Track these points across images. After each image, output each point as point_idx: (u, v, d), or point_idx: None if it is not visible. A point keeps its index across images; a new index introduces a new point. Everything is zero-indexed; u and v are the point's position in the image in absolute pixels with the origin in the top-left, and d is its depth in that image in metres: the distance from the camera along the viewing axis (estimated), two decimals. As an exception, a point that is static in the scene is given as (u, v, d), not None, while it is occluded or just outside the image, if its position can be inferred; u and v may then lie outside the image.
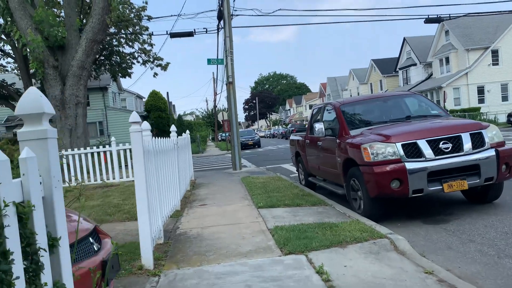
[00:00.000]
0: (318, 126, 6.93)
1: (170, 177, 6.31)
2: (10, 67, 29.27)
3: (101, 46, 24.86)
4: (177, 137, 7.87)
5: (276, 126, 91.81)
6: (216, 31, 15.53)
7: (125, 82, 39.31)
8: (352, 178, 6.16)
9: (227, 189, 9.46)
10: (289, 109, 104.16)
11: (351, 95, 60.97)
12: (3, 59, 26.58)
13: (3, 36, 19.56)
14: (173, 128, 7.15)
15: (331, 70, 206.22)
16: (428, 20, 16.13)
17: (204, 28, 15.26)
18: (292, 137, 10.56)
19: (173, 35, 15.82)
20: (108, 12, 13.66)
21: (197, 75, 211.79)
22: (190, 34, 15.68)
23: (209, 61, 14.87)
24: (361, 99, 7.32)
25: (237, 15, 14.76)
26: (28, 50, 13.70)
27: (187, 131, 11.96)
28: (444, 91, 27.84)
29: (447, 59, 36.09)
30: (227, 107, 15.33)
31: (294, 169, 13.93)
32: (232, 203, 7.43)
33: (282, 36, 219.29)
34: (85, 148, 11.74)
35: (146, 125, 4.84)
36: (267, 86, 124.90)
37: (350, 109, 6.85)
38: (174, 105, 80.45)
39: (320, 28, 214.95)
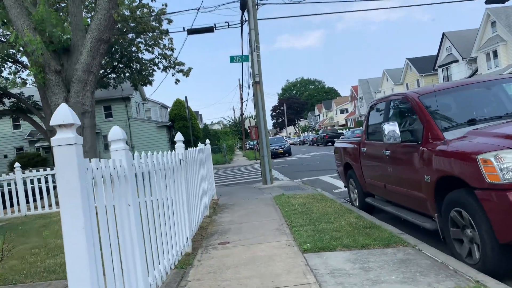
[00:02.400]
0: (390, 128, 4.67)
1: (170, 211, 4.21)
2: (31, 79, 28.36)
3: (119, 53, 23.55)
4: (187, 149, 5.79)
5: (306, 133, 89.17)
6: (239, 24, 13.51)
7: (147, 92, 38.00)
8: (454, 207, 3.87)
9: (257, 214, 7.27)
10: (319, 115, 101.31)
11: (384, 98, 57.81)
12: (22, 71, 25.58)
13: (21, 48, 18.38)
14: (178, 137, 5.07)
15: (361, 73, 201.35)
16: (490, 1, 13.54)
17: (226, 22, 13.52)
18: (338, 144, 8.29)
19: (191, 31, 13.90)
20: (116, 7, 11.94)
21: (223, 82, 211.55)
22: (209, 29, 13.72)
23: (232, 59, 12.84)
24: (451, 86, 5.03)
25: (263, 4, 12.70)
26: (26, 52, 12.09)
27: (207, 141, 9.91)
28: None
29: (495, 53, 32.78)
30: (254, 111, 13.26)
31: (338, 182, 11.62)
32: (265, 240, 5.23)
33: (308, 42, 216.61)
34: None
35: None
36: (294, 92, 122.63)
37: (436, 101, 4.56)
38: (201, 115, 79.48)
39: (347, 30, 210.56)
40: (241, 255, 4.67)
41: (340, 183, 11.42)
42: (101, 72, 25.01)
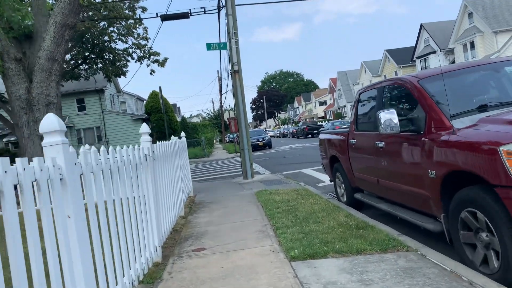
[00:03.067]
0: (387, 117, 4.09)
1: (132, 217, 3.53)
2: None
3: (90, 43, 22.37)
4: (157, 142, 5.09)
5: (285, 125, 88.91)
6: (216, 10, 12.73)
7: (122, 83, 36.70)
8: (466, 207, 3.32)
9: (237, 213, 6.64)
10: (298, 107, 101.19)
11: (363, 89, 57.90)
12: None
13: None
14: (144, 128, 4.36)
15: (340, 65, 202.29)
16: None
17: (201, 8, 12.72)
18: (323, 135, 7.71)
19: (165, 17, 13.06)
20: (81, -11, 11.02)
21: (202, 74, 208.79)
22: (185, 15, 12.91)
23: (209, 46, 12.09)
24: (456, 68, 4.48)
25: (241, -12, 11.96)
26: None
27: (182, 134, 9.20)
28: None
29: (472, 44, 32.94)
30: (234, 102, 12.57)
31: (321, 176, 11.10)
32: (246, 246, 4.61)
33: (286, 35, 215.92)
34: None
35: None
36: (274, 84, 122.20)
37: (439, 86, 4.00)
38: (179, 107, 78.03)
39: (325, 23, 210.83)
40: (219, 265, 4.03)
41: (323, 177, 10.91)
42: (71, 62, 23.84)
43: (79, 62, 23.67)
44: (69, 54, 23.47)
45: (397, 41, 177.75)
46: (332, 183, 8.07)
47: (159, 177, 4.90)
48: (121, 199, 3.38)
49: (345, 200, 6.75)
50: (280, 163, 16.73)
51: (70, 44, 22.96)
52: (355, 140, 5.79)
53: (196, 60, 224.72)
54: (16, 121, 12.13)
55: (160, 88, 24.89)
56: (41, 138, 9.35)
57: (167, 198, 5.40)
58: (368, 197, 5.76)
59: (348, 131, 6.19)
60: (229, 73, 12.75)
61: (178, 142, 7.51)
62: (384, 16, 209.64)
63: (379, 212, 5.98)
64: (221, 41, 12.69)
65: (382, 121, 4.14)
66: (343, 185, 6.77)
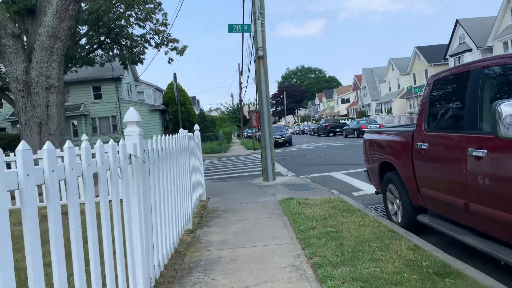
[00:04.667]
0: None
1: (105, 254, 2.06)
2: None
3: (106, 27, 21.16)
4: (158, 137, 3.64)
5: (305, 122, 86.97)
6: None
7: (139, 72, 35.61)
8: None
9: (259, 230, 5.14)
10: (319, 104, 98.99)
11: (389, 88, 55.59)
12: None
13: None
14: (131, 115, 2.90)
15: (364, 63, 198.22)
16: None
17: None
18: (370, 135, 6.13)
19: (183, -5, 11.61)
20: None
21: (222, 66, 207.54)
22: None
23: (231, 28, 10.59)
24: None
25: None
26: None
27: (196, 127, 7.76)
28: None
29: (514, 42, 30.54)
30: (256, 92, 11.08)
31: (356, 182, 9.51)
32: (275, 294, 3.11)
33: (309, 31, 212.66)
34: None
35: None
36: (294, 80, 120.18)
37: None
38: (198, 100, 77.00)
39: (349, 20, 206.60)
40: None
41: (359, 183, 9.32)
42: (86, 47, 22.72)
43: (94, 47, 22.52)
44: (85, 39, 22.41)
45: (424, 39, 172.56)
46: (378, 195, 6.51)
47: (156, 185, 3.46)
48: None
49: (399, 220, 5.19)
50: (304, 163, 15.16)
51: (84, 28, 21.89)
52: (426, 144, 4.20)
53: (217, 52, 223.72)
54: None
55: (175, 74, 23.49)
56: (39, 125, 7.98)
57: (168, 212, 3.95)
58: (442, 223, 4.17)
59: (412, 130, 4.61)
60: (252, 59, 11.27)
61: (189, 137, 6.06)
62: (409, 14, 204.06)
63: (447, 239, 4.43)
64: (245, 23, 11.17)
65: (504, 117, 2.57)
66: (399, 201, 5.19)
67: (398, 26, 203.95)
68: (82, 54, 21.87)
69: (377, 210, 6.37)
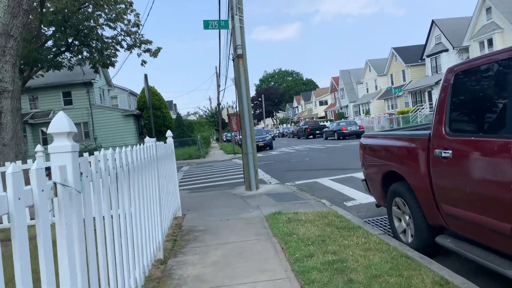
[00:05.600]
0: None
1: None
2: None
3: (74, 28, 19.88)
4: (107, 152, 2.71)
5: (284, 125, 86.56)
6: (216, -20, 10.31)
7: (111, 76, 34.17)
8: None
9: (245, 260, 4.24)
10: (297, 106, 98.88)
11: (367, 89, 55.64)
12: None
13: None
14: (57, 124, 1.99)
15: (340, 65, 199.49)
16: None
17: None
18: (368, 140, 5.33)
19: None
20: None
21: (200, 70, 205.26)
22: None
23: (207, 25, 9.68)
24: None
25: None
26: None
27: (168, 134, 6.81)
28: None
29: (490, 41, 30.67)
30: (236, 94, 10.18)
31: (346, 189, 8.73)
32: None
33: (284, 34, 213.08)
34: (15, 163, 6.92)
35: None
36: (272, 83, 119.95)
37: None
38: (175, 104, 75.51)
39: (323, 23, 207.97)
40: None
41: (350, 191, 8.55)
42: (53, 50, 21.35)
43: (62, 49, 21.17)
44: (51, 41, 21.05)
45: (400, 41, 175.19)
46: (379, 208, 5.72)
47: (105, 217, 2.52)
48: None
49: (409, 240, 4.39)
50: (288, 168, 14.34)
51: (51, 29, 20.55)
52: (449, 151, 3.41)
53: (194, 55, 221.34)
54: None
55: (145, 76, 22.33)
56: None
57: (126, 249, 3.02)
58: (476, 250, 3.36)
59: (428, 134, 3.81)
60: (231, 58, 10.38)
61: (159, 147, 5.12)
62: (383, 16, 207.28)
63: (469, 264, 3.66)
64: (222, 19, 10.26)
65: None
66: (408, 218, 4.40)
67: (373, 28, 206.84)
68: (49, 57, 20.50)
69: (378, 225, 5.58)
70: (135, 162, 3.50)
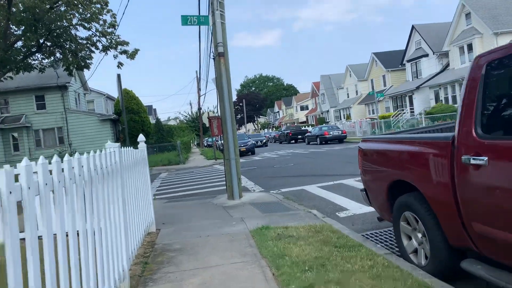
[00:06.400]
0: None
1: None
2: None
3: (45, 27, 18.78)
4: (39, 162, 1.93)
5: (265, 129, 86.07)
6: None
7: (86, 78, 32.86)
8: None
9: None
10: (278, 111, 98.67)
11: (348, 94, 55.65)
12: None
13: None
14: None
15: (321, 70, 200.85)
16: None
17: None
18: (370, 145, 4.67)
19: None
20: None
21: (180, 74, 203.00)
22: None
23: (186, 20, 8.91)
24: None
25: None
26: None
27: (140, 138, 6.01)
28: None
29: (470, 46, 30.80)
30: (217, 95, 9.42)
31: (336, 197, 8.07)
32: None
33: (265, 41, 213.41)
34: None
35: None
36: (253, 88, 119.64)
37: None
38: (155, 109, 74.17)
39: (304, 30, 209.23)
40: None
41: (340, 199, 7.89)
42: (23, 50, 20.14)
43: (33, 50, 19.97)
44: (20, 41, 19.86)
45: (379, 46, 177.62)
46: (382, 221, 5.06)
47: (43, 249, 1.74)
48: None
49: (423, 262, 3.72)
50: (272, 175, 13.64)
51: (20, 29, 19.38)
52: (484, 158, 2.75)
53: (175, 59, 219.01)
54: None
55: (118, 76, 21.31)
56: None
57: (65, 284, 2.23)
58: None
59: (450, 137, 3.16)
60: (212, 57, 9.63)
61: (128, 153, 4.33)
62: (362, 23, 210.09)
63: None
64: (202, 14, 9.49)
65: None
66: (421, 236, 3.74)
67: (353, 35, 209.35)
68: (18, 58, 19.28)
69: (380, 241, 4.90)
70: (85, 173, 2.71)
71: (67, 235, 2.33)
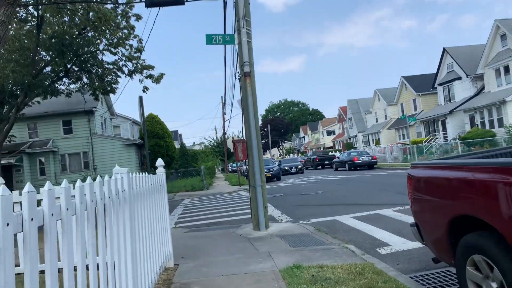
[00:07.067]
0: None
1: None
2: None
3: (72, 52, 19.00)
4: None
5: (290, 155, 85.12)
6: (221, -8, 9.23)
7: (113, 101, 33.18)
8: None
9: None
10: (304, 136, 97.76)
11: (376, 119, 54.46)
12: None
13: None
14: None
15: (348, 94, 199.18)
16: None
17: (202, -7, 9.53)
18: (423, 172, 3.91)
19: (152, 3, 9.57)
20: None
21: (206, 100, 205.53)
22: (178, 1, 9.41)
23: (210, 39, 8.50)
24: None
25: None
26: None
27: (159, 163, 5.47)
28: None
29: (506, 68, 29.49)
30: (242, 118, 8.86)
31: (373, 230, 7.24)
32: None
33: (290, 66, 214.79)
34: None
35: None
36: (278, 113, 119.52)
37: None
38: (180, 134, 74.72)
39: (329, 56, 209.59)
40: None
41: (380, 232, 7.05)
42: (51, 75, 20.42)
43: (60, 75, 20.21)
44: (49, 67, 20.17)
45: (406, 70, 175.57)
46: (437, 263, 4.23)
47: None
48: None
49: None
50: (300, 203, 12.84)
51: (46, 55, 19.70)
52: None
53: (200, 85, 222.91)
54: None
55: (140, 98, 21.16)
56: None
57: None
58: None
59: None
60: (237, 77, 9.15)
61: (138, 180, 3.75)
62: (387, 48, 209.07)
63: None
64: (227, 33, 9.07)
65: None
66: (497, 286, 2.93)
67: (379, 59, 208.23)
68: (45, 83, 19.49)
69: (432, 285, 4.08)
70: (78, 206, 2.12)
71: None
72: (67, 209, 1.99)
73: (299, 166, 33.73)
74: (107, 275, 2.62)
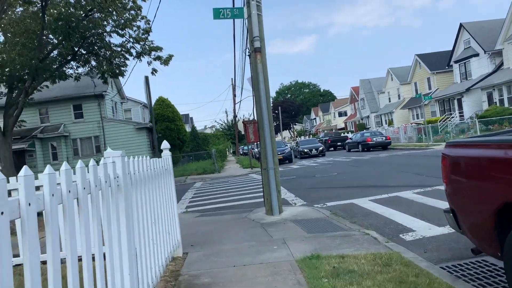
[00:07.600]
0: None
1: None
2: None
3: (79, 34, 18.55)
4: None
5: (302, 137, 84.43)
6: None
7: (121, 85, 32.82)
8: None
9: None
10: (315, 118, 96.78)
11: (389, 99, 53.34)
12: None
13: None
14: None
15: (359, 74, 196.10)
16: None
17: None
18: (462, 151, 3.42)
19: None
20: None
21: (217, 82, 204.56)
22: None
23: (217, 13, 7.96)
24: None
25: None
26: None
27: (164, 145, 5.05)
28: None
29: (527, 43, 28.28)
30: (253, 98, 8.35)
31: (394, 214, 6.77)
32: None
33: (300, 47, 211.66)
34: None
35: None
36: (289, 95, 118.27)
37: None
38: (191, 118, 74.41)
39: (339, 36, 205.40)
40: None
41: (401, 217, 6.59)
42: (58, 59, 20.06)
43: (68, 58, 19.82)
44: (56, 50, 19.78)
45: (419, 48, 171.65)
46: (478, 254, 3.77)
47: None
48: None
49: None
50: (313, 185, 12.41)
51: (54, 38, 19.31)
52: None
53: (211, 67, 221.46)
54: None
55: (146, 78, 20.73)
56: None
57: None
58: None
59: None
60: (247, 54, 8.63)
61: (136, 164, 3.34)
62: (399, 27, 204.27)
63: None
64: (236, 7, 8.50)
65: None
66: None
67: (391, 38, 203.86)
68: (53, 67, 19.14)
69: (468, 277, 3.63)
70: (65, 195, 1.70)
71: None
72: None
73: (320, 148, 30.04)
74: (104, 269, 2.23)
